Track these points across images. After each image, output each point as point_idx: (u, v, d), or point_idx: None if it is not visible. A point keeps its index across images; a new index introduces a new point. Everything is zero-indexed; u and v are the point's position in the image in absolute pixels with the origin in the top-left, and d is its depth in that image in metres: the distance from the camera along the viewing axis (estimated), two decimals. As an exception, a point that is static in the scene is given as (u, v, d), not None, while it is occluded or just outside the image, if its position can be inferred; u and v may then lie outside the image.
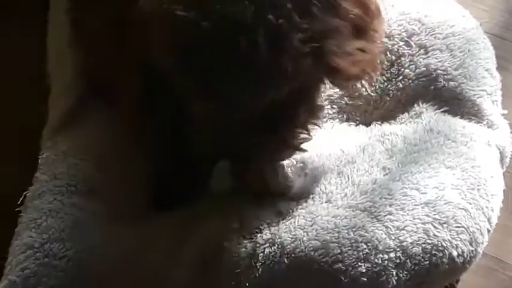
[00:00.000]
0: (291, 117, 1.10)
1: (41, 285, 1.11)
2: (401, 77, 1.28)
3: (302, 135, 1.13)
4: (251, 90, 0.97)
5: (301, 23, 0.95)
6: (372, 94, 1.28)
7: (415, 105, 1.27)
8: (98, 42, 1.18)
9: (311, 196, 1.18)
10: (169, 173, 1.18)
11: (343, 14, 1.01)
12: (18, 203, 1.20)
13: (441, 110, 1.26)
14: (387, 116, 1.29)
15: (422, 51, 1.29)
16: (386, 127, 1.25)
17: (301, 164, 1.21)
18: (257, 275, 1.10)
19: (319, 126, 1.18)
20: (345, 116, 1.30)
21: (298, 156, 1.20)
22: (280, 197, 1.18)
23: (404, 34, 1.29)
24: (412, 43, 1.29)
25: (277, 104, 1.01)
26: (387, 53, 1.28)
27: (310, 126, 1.14)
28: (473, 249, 1.14)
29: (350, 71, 1.02)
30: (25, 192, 1.20)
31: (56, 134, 1.27)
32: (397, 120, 1.28)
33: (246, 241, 1.13)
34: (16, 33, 1.46)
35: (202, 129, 1.07)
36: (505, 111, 1.29)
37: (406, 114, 1.27)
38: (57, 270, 1.12)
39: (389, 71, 1.29)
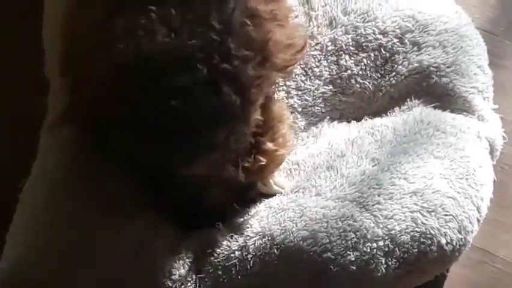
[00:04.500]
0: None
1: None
2: (393, 73, 1.28)
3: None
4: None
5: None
6: (366, 91, 1.29)
7: (407, 100, 1.28)
8: None
9: (301, 190, 1.19)
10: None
11: None
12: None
13: (433, 105, 1.27)
14: (380, 112, 1.29)
15: (415, 48, 1.29)
16: (377, 120, 1.26)
17: (295, 166, 1.23)
18: (248, 267, 1.11)
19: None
20: (338, 114, 1.30)
21: (293, 158, 1.23)
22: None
23: (398, 31, 1.29)
24: (406, 40, 1.29)
25: None
26: (382, 49, 1.29)
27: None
28: (462, 237, 1.14)
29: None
30: (20, 185, 1.20)
31: (56, 127, 1.23)
32: (388, 114, 1.28)
33: (236, 235, 1.14)
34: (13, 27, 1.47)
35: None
36: (496, 106, 1.30)
37: (397, 108, 1.28)
38: (53, 260, 1.12)
39: (383, 68, 1.29)
